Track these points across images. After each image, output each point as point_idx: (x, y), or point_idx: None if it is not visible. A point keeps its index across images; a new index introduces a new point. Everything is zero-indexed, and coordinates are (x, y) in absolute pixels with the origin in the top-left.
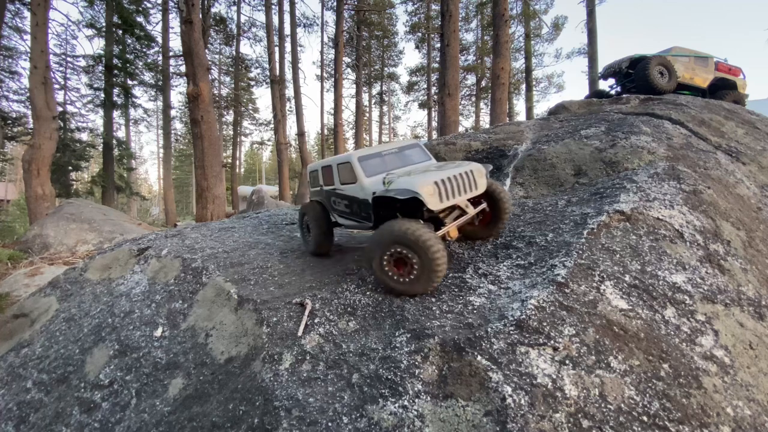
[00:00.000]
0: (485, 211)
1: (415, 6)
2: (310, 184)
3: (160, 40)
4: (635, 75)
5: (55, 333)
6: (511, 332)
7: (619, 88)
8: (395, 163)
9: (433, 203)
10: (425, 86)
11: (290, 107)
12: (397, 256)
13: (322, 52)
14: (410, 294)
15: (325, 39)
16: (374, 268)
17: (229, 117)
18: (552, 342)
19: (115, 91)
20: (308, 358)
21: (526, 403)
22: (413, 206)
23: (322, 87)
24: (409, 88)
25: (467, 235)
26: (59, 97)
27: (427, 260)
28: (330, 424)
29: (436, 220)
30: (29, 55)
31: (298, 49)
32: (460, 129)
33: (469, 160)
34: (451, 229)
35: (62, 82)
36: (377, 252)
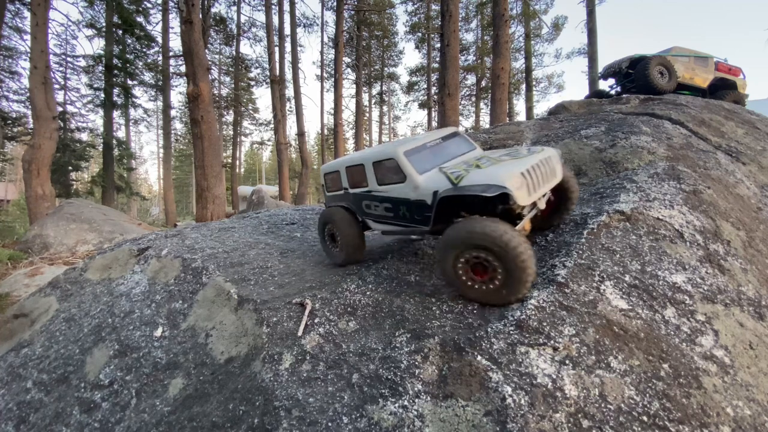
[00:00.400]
0: (550, 200)
1: (415, 6)
2: (327, 188)
3: (160, 40)
4: (635, 75)
5: (55, 333)
6: (511, 332)
7: (619, 88)
8: (443, 155)
9: (522, 198)
10: (425, 86)
11: (290, 107)
12: (474, 262)
13: (322, 52)
14: (491, 303)
15: (325, 39)
16: (446, 275)
17: (229, 117)
18: (552, 342)
19: (115, 91)
20: (308, 358)
21: (526, 403)
22: (486, 203)
23: (322, 87)
24: (409, 88)
25: (534, 227)
26: (59, 97)
27: (514, 267)
28: (330, 424)
29: (510, 215)
30: (29, 55)
31: (298, 49)
32: (460, 129)
33: None
34: (526, 223)
35: (62, 82)
36: (449, 256)
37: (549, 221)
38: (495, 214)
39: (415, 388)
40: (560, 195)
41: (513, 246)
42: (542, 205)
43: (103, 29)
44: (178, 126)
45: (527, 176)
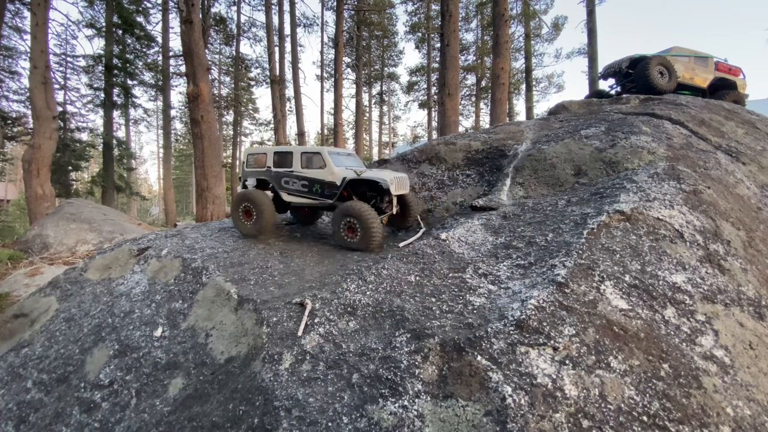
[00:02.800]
0: (397, 211)
1: (415, 6)
2: (248, 165)
3: (160, 40)
4: (635, 75)
5: (55, 333)
6: (511, 332)
7: (619, 88)
8: (346, 162)
9: (393, 190)
10: (425, 86)
11: (290, 107)
12: (349, 224)
13: (322, 52)
14: (358, 249)
15: (325, 39)
16: (336, 234)
17: (229, 117)
18: (552, 342)
19: (115, 91)
20: (308, 358)
21: (526, 403)
22: (372, 192)
23: (322, 87)
24: (409, 88)
25: (390, 223)
26: (59, 97)
27: (367, 228)
28: (330, 424)
29: (378, 209)
30: (29, 55)
31: (298, 49)
32: (460, 129)
33: (470, 160)
34: (385, 218)
35: (62, 82)
36: (339, 220)
37: (398, 224)
38: (368, 201)
39: (415, 388)
40: (403, 208)
41: (366, 217)
42: (393, 211)
43: (103, 29)
44: (178, 126)
45: (395, 180)
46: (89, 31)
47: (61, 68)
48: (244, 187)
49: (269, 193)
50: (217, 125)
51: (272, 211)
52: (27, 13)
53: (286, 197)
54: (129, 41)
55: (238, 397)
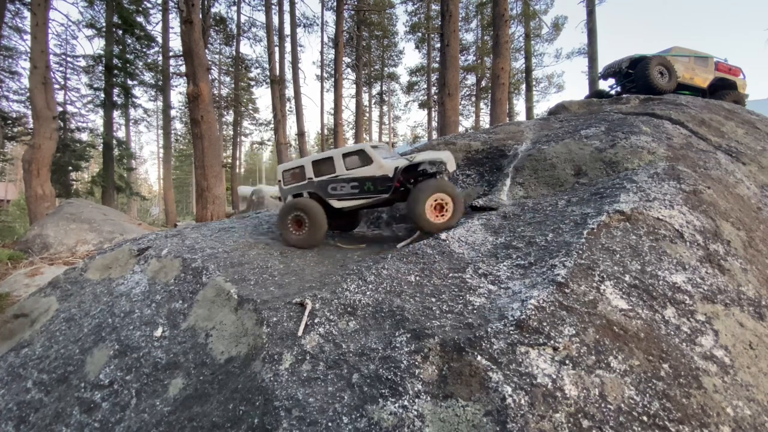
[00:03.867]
0: None
1: (415, 6)
2: (285, 182)
3: (160, 40)
4: (635, 75)
5: (55, 333)
6: (511, 332)
7: (619, 88)
8: (383, 153)
9: (450, 168)
10: (425, 86)
11: (290, 107)
12: (436, 204)
13: (322, 52)
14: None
15: (325, 39)
16: (416, 211)
17: (229, 117)
18: (552, 342)
19: (115, 91)
20: (308, 358)
21: (526, 403)
22: (422, 177)
23: (322, 87)
24: (409, 88)
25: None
26: (59, 97)
27: (456, 202)
28: (330, 424)
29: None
30: (29, 55)
31: (298, 49)
32: (460, 129)
33: (470, 160)
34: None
35: (62, 82)
36: (423, 197)
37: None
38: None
39: (415, 388)
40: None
41: (455, 193)
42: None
43: (103, 29)
44: (178, 126)
45: (449, 158)
46: (89, 31)
47: (61, 68)
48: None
49: None
50: (217, 125)
51: (325, 221)
52: (27, 13)
53: (336, 204)
54: (129, 41)
55: (238, 397)
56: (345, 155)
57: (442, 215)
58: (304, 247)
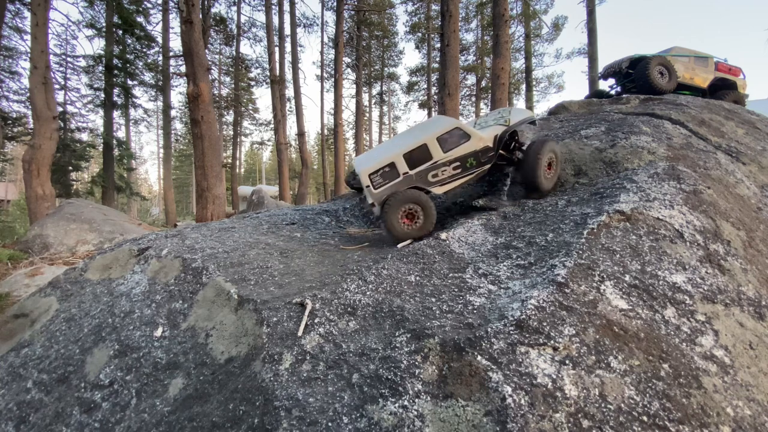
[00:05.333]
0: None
1: (415, 6)
2: (375, 185)
3: (160, 40)
4: (635, 75)
5: (55, 333)
6: (511, 332)
7: (619, 88)
8: (474, 125)
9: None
10: (425, 86)
11: (290, 107)
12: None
13: (322, 52)
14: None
15: (325, 39)
16: (535, 169)
17: (229, 117)
18: (552, 342)
19: (115, 91)
20: (308, 358)
21: (526, 403)
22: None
23: (322, 87)
24: (409, 88)
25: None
26: (59, 97)
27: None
28: (330, 424)
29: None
30: (29, 55)
31: (298, 49)
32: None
33: None
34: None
35: (62, 82)
36: (544, 156)
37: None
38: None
39: (415, 388)
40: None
41: (558, 150)
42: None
43: (103, 29)
44: (178, 126)
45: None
46: (89, 32)
47: (61, 68)
48: (381, 211)
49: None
50: (217, 125)
51: (435, 210)
52: (27, 14)
53: (438, 190)
54: (129, 41)
55: (238, 397)
56: (439, 138)
57: (551, 173)
58: (414, 239)
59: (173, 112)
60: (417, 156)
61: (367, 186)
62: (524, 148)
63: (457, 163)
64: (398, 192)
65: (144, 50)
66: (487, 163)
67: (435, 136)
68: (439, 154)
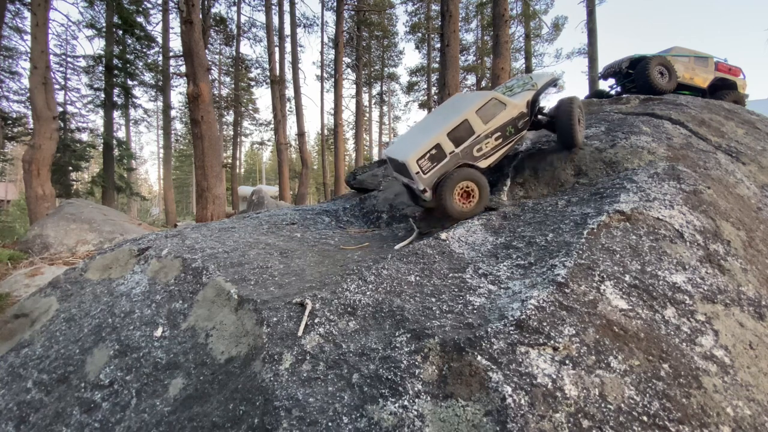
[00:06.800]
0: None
1: (415, 6)
2: (425, 170)
3: (160, 40)
4: (635, 75)
5: (55, 333)
6: (511, 332)
7: (619, 88)
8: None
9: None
10: (425, 86)
11: (290, 107)
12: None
13: (322, 52)
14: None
15: (325, 39)
16: (568, 128)
17: (229, 117)
18: (552, 342)
19: (116, 91)
20: (308, 358)
21: (526, 403)
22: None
23: (322, 87)
24: (409, 88)
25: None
26: (59, 97)
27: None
28: (330, 424)
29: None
30: (29, 55)
31: (298, 49)
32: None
33: None
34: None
35: (62, 83)
36: (575, 114)
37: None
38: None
39: (415, 388)
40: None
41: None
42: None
43: (103, 29)
44: (178, 126)
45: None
46: (89, 32)
47: (61, 68)
48: (435, 194)
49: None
50: (217, 125)
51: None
52: (27, 14)
53: (484, 164)
54: (129, 41)
55: (238, 397)
56: (477, 111)
57: (581, 127)
58: (469, 217)
59: (173, 112)
60: (460, 133)
61: (417, 172)
62: (545, 111)
63: (498, 134)
64: (451, 172)
65: (144, 50)
66: (523, 129)
67: (474, 110)
68: (481, 128)
